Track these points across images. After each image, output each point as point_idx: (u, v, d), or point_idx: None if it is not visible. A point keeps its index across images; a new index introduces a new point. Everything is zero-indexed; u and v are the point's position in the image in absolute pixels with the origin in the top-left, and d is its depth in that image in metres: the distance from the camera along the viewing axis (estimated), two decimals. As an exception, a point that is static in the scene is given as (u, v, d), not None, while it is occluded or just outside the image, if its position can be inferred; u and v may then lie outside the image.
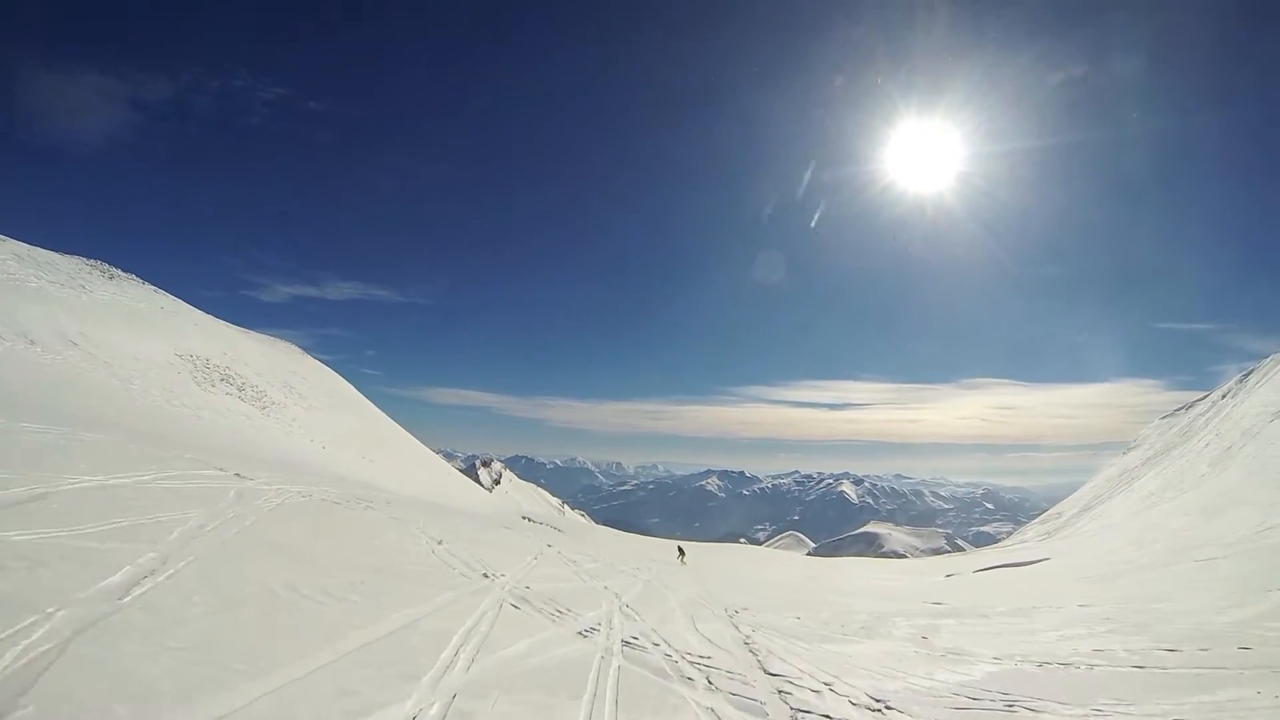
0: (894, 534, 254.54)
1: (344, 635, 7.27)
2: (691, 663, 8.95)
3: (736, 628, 12.63)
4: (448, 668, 6.91)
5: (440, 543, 17.09)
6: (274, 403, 63.67)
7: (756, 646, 10.76)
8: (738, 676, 8.53)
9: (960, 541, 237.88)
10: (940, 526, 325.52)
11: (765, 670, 9.09)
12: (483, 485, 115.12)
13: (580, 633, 9.85)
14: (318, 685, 5.85)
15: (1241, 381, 67.19)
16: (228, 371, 62.16)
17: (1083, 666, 10.15)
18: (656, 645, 9.82)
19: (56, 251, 65.17)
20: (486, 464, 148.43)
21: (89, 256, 68.69)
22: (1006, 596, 23.17)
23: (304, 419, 65.17)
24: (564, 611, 11.25)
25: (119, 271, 69.59)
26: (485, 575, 13.54)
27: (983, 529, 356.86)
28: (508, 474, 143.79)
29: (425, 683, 6.37)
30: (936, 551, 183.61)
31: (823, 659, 10.31)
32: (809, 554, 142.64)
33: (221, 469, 20.14)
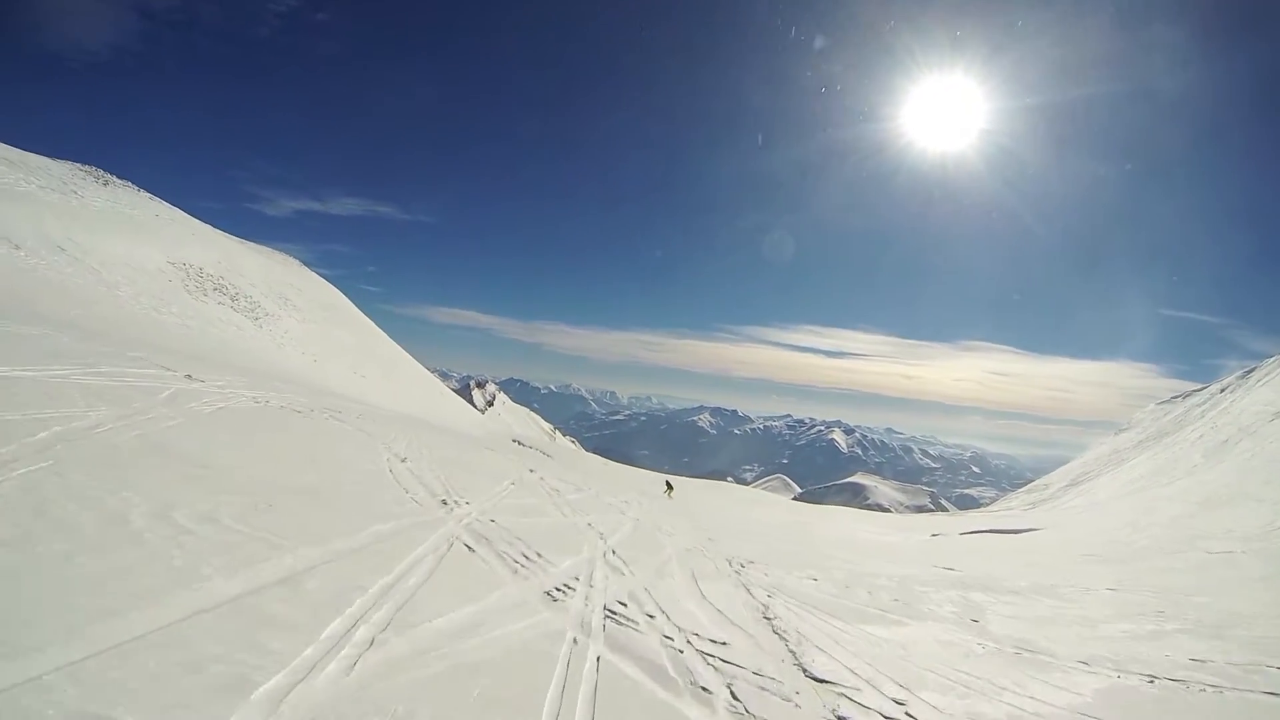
0: (880, 487, 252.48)
1: (183, 592, 4.56)
2: (703, 654, 6.26)
3: (749, 591, 10.05)
4: (316, 664, 4.12)
5: (404, 460, 14.55)
6: (267, 314, 61.27)
7: (783, 625, 8.12)
8: (771, 684, 5.83)
9: (944, 502, 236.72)
10: (926, 485, 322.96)
11: (806, 671, 6.42)
12: (476, 407, 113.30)
13: (550, 593, 7.17)
14: (48, 699, 3.16)
15: (1243, 378, 65.34)
16: (221, 281, 59.59)
17: (1206, 689, 7.53)
18: (652, 618, 7.14)
19: (49, 157, 62.75)
20: (481, 385, 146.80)
21: (85, 163, 66.33)
22: (1018, 568, 20.83)
23: (297, 331, 62.90)
24: (532, 558, 8.59)
25: (114, 178, 66.97)
26: (444, 502, 10.94)
27: (967, 492, 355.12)
28: (501, 397, 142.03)
29: (257, 701, 3.61)
30: (920, 509, 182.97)
31: (873, 651, 7.70)
32: (794, 499, 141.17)
33: (171, 369, 17.71)
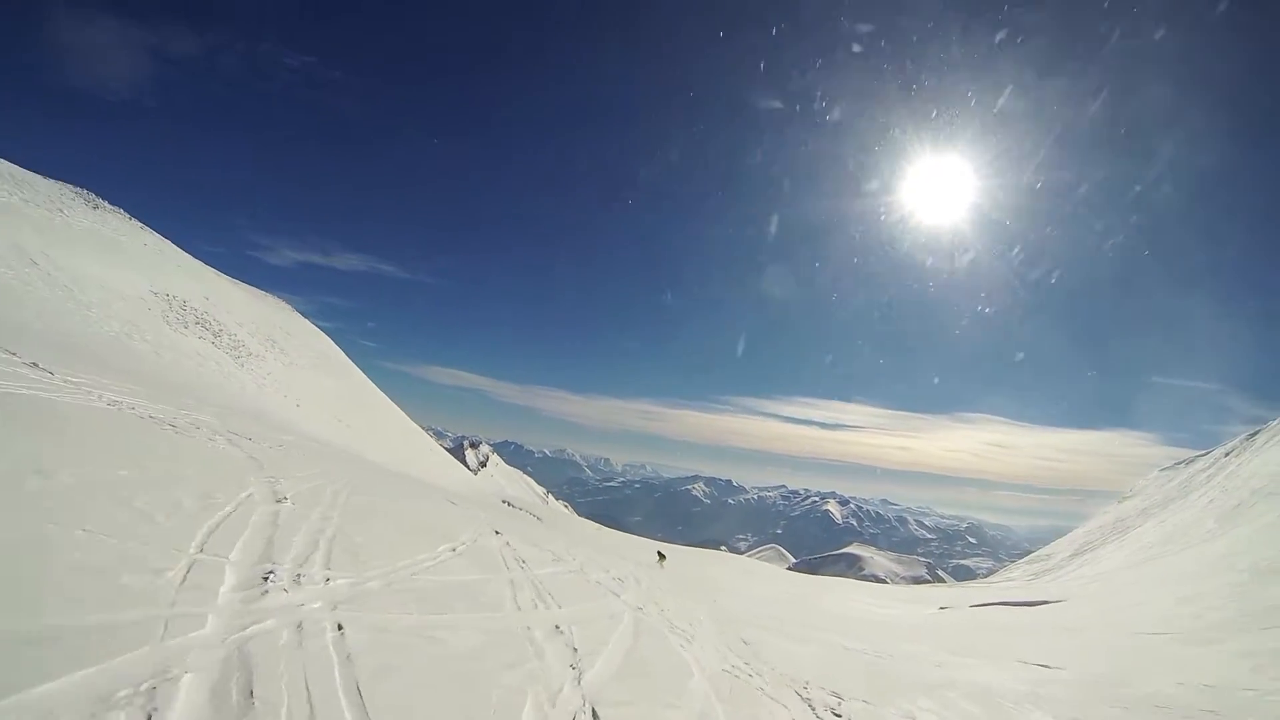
0: (876, 558, 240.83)
1: None
2: None
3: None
4: None
5: (283, 500, 8.89)
6: (251, 354, 55.81)
7: None
8: None
9: (940, 572, 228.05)
10: (921, 555, 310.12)
11: None
12: (469, 467, 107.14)
13: None
14: None
15: (1249, 440, 61.94)
16: (205, 316, 54.37)
17: None
18: None
19: (40, 174, 58.76)
20: (475, 446, 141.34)
21: (80, 187, 62.17)
22: (1137, 659, 15.59)
23: (281, 375, 57.35)
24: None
25: (105, 203, 62.44)
26: (269, 576, 5.38)
27: (963, 562, 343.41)
28: (495, 458, 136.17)
29: None
30: (917, 580, 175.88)
31: None
32: (789, 569, 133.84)
33: (15, 354, 13.03)
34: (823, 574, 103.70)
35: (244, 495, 8.55)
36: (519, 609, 7.51)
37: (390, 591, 6.27)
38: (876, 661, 12.17)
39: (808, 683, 8.01)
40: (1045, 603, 34.07)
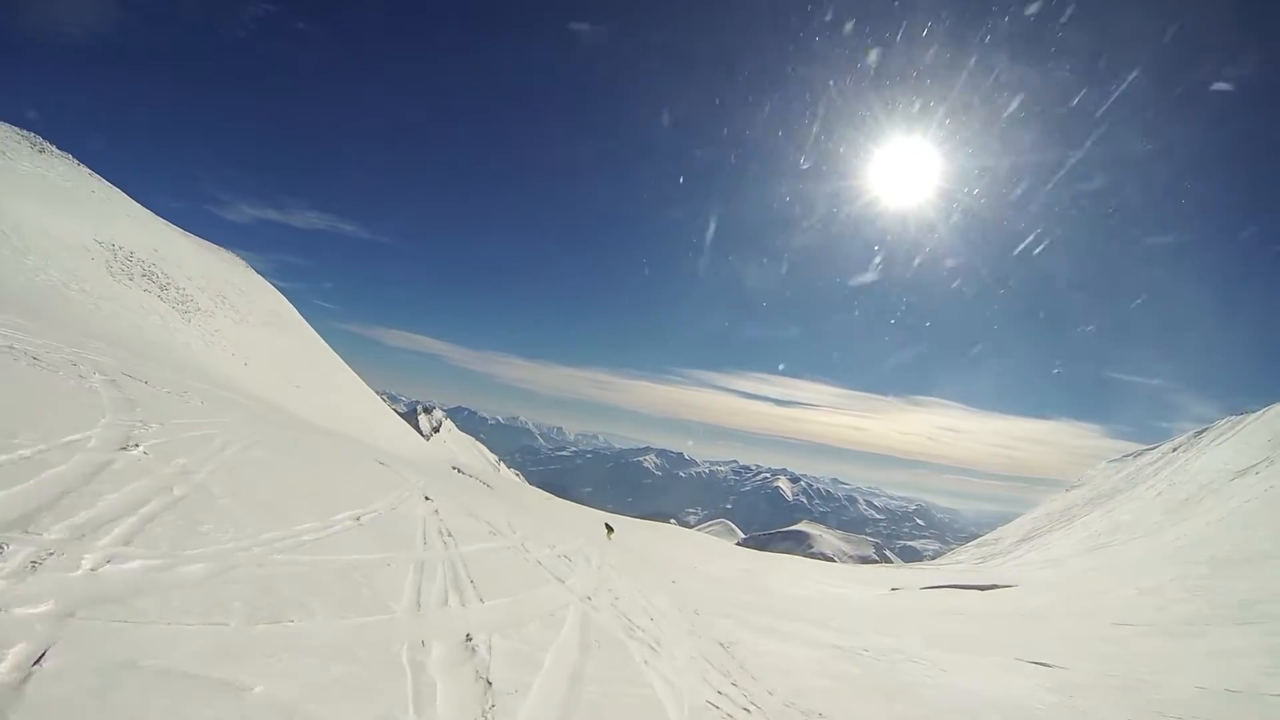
0: (824, 536, 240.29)
1: None
2: None
3: None
4: None
5: (130, 448, 6.65)
6: (199, 310, 52.38)
7: None
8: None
9: (888, 553, 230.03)
10: (870, 535, 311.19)
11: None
12: (421, 432, 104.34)
13: None
14: None
15: (1195, 438, 64.45)
16: (152, 269, 50.80)
17: None
18: None
19: (-12, 117, 55.11)
20: (428, 411, 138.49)
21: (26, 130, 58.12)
22: (1124, 654, 14.99)
23: (230, 332, 54.00)
24: None
25: (53, 147, 58.40)
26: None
27: (910, 544, 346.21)
28: (448, 424, 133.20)
29: None
30: (864, 560, 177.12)
31: None
32: (737, 544, 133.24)
33: None
34: (771, 550, 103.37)
35: (71, 439, 6.29)
36: (419, 608, 5.17)
37: (217, 581, 4.07)
38: (876, 666, 10.23)
39: (820, 715, 5.93)
40: (995, 587, 33.71)
